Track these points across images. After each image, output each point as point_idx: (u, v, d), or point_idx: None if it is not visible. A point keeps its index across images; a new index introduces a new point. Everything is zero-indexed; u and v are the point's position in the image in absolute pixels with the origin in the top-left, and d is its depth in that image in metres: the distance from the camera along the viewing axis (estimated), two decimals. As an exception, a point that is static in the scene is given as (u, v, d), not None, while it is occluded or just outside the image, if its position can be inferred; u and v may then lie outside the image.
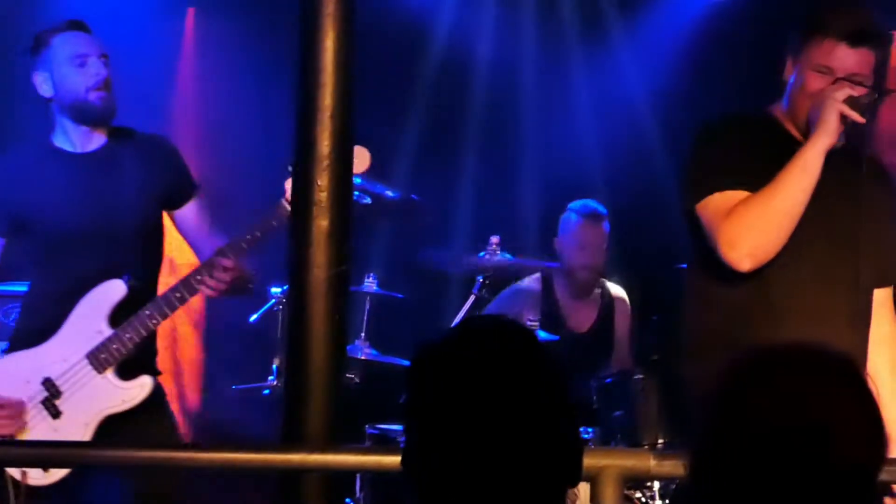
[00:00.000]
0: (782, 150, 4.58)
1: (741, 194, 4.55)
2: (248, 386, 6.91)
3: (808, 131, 4.57)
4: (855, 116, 4.44)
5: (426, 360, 2.34)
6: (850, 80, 4.49)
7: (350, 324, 6.80)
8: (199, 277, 5.31)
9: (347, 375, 6.67)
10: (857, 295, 4.67)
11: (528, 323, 6.81)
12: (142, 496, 5.31)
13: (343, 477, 4.50)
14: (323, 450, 4.06)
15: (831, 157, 4.52)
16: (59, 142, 5.34)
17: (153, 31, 7.68)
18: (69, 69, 5.23)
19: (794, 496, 2.27)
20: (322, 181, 4.17)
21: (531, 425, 2.27)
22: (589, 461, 4.10)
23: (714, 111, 5.16)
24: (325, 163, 4.18)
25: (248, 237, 5.31)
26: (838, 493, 2.28)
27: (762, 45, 8.07)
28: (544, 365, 2.33)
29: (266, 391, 6.71)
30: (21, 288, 5.59)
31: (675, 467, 3.92)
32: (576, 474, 2.35)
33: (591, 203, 7.25)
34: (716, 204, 4.57)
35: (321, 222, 4.15)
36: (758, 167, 4.58)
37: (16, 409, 5.24)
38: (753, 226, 4.51)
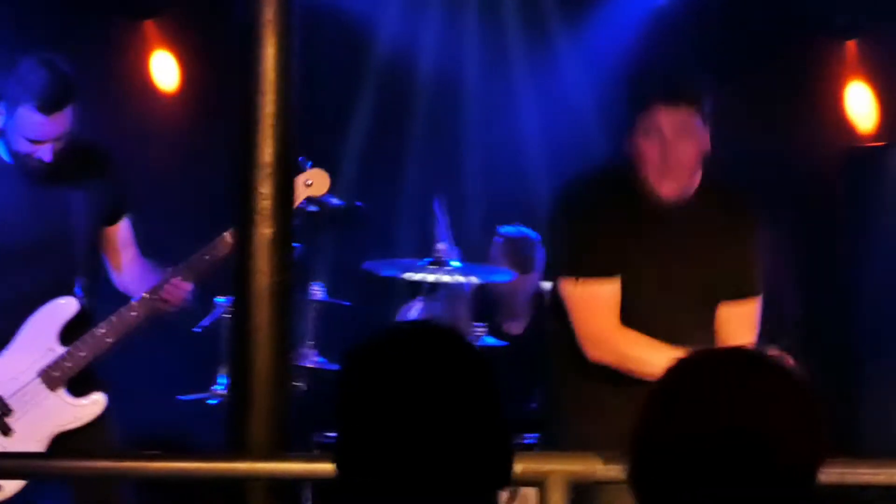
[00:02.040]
0: (639, 219, 5.03)
1: (600, 286, 4.99)
2: (193, 397, 6.88)
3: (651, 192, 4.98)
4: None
5: (354, 362, 2.35)
6: None
7: (297, 332, 6.83)
8: (156, 297, 5.33)
9: (296, 383, 6.67)
10: (691, 320, 5.04)
11: (475, 329, 6.85)
12: None
13: (292, 485, 4.49)
14: (269, 458, 4.07)
15: (676, 213, 5.00)
16: (4, 155, 5.34)
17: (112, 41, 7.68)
18: (20, 139, 5.22)
19: (733, 499, 2.29)
20: (264, 189, 4.17)
21: (455, 425, 2.28)
22: (535, 466, 4.12)
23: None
24: (268, 171, 4.19)
25: (207, 258, 5.34)
26: (779, 494, 2.30)
27: (701, 47, 8.18)
28: (471, 366, 2.33)
29: (211, 401, 6.70)
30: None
31: (622, 472, 3.93)
32: (505, 475, 2.36)
33: (523, 230, 7.28)
34: (578, 293, 5.03)
35: (264, 230, 4.15)
36: (616, 246, 5.02)
37: None
38: (605, 352, 5.00)
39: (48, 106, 5.20)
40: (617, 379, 5.00)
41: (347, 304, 7.20)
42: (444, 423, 2.27)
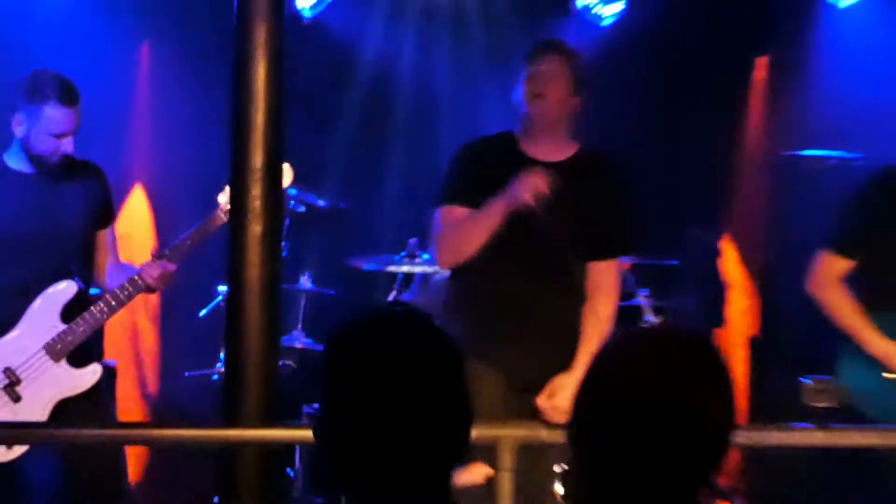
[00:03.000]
0: (510, 167, 5.04)
1: (457, 210, 5.12)
2: (198, 373, 6.93)
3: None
4: (531, 207, 4.93)
5: (336, 344, 2.34)
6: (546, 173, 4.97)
7: (288, 317, 6.87)
8: (144, 276, 5.38)
9: (287, 362, 6.70)
10: (558, 262, 5.10)
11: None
12: (75, 475, 5.34)
13: (281, 451, 4.50)
14: (258, 426, 4.08)
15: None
16: (12, 162, 5.33)
17: (113, 61, 7.66)
18: (47, 137, 5.22)
19: (657, 458, 2.31)
20: (256, 191, 4.17)
21: (427, 399, 2.27)
22: (489, 432, 4.17)
23: (606, 120, 5.29)
24: (258, 175, 4.18)
25: (189, 242, 5.39)
26: (697, 453, 2.33)
27: (642, 64, 8.19)
28: (439, 347, 2.32)
29: (215, 377, 6.73)
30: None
31: (563, 436, 3.99)
32: (465, 440, 2.34)
33: None
34: (440, 215, 5.20)
35: (255, 227, 4.15)
36: (480, 186, 5.07)
37: None
38: (449, 244, 5.17)
39: (68, 99, 5.20)
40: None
41: (332, 293, 7.22)
42: (414, 395, 2.26)
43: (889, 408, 5.42)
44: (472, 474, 4.90)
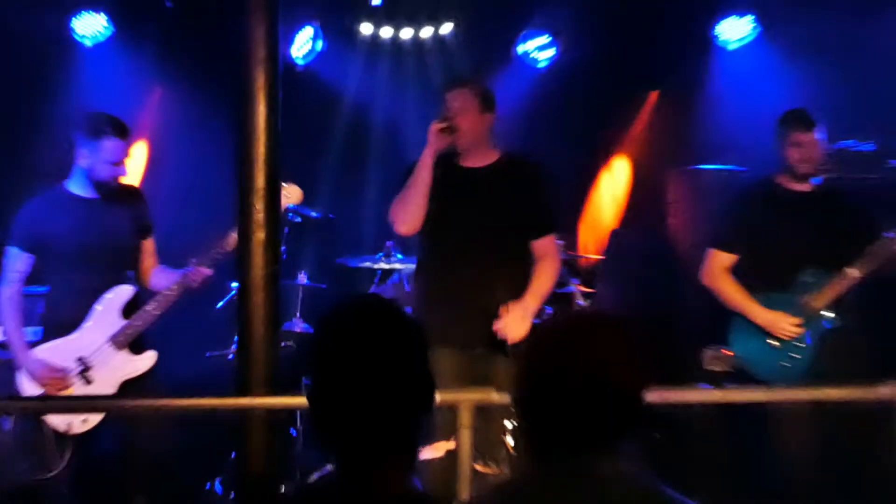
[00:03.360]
0: (449, 176, 5.14)
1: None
2: (217, 353, 6.89)
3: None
4: (439, 137, 5.09)
5: (324, 325, 2.33)
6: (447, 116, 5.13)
7: (288, 306, 6.84)
8: (187, 279, 5.38)
9: (288, 343, 6.66)
10: (499, 251, 5.09)
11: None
12: (132, 442, 5.36)
13: (284, 415, 4.47)
14: (265, 395, 4.08)
15: (474, 174, 5.15)
16: (74, 188, 5.31)
17: (130, 103, 7.65)
18: (107, 165, 5.22)
19: (584, 415, 2.33)
20: (259, 206, 4.13)
21: (395, 370, 2.26)
22: (452, 397, 4.16)
23: (542, 145, 5.29)
24: (261, 193, 4.14)
25: (216, 253, 5.38)
26: (617, 411, 2.35)
27: (573, 97, 8.20)
28: (404, 327, 2.31)
29: (230, 356, 6.69)
30: (40, 289, 5.47)
31: (509, 399, 3.98)
32: (430, 403, 2.34)
33: None
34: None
35: (259, 235, 4.12)
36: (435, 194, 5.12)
37: (64, 374, 5.26)
38: (397, 206, 5.16)
39: (121, 132, 5.21)
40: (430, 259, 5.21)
41: (324, 286, 7.17)
42: (387, 368, 2.25)
43: (772, 369, 5.45)
44: (435, 449, 4.90)
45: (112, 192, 5.32)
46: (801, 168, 5.42)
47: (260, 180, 4.16)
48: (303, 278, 7.02)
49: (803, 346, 5.46)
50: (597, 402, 2.32)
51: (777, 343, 5.46)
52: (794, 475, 5.45)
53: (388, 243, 6.88)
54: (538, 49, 8.08)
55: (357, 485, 2.22)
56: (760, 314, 5.45)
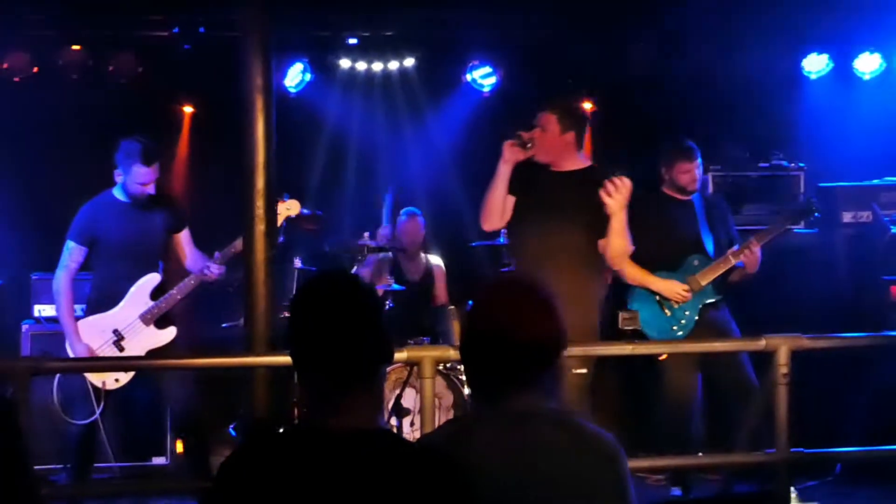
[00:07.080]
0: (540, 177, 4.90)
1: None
2: (231, 324, 6.84)
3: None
4: (511, 151, 4.85)
5: (300, 293, 2.28)
6: (521, 133, 4.86)
7: (285, 285, 6.80)
8: (206, 271, 5.38)
9: (285, 314, 6.63)
10: (569, 246, 4.79)
11: (388, 279, 6.86)
12: (168, 398, 5.39)
13: (284, 370, 4.46)
14: (265, 354, 4.11)
15: (557, 178, 4.85)
16: (119, 195, 5.37)
17: (162, 121, 7.63)
18: (136, 185, 5.26)
19: (510, 367, 2.30)
20: (259, 203, 4.18)
21: (360, 328, 2.21)
22: (416, 353, 4.18)
23: (485, 162, 5.18)
24: (261, 193, 4.20)
25: (232, 251, 5.38)
26: (536, 364, 2.32)
27: (514, 118, 8.14)
28: (365, 295, 2.25)
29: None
30: (89, 274, 5.50)
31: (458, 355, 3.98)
32: (387, 355, 2.27)
33: (411, 208, 7.26)
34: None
35: (259, 226, 4.16)
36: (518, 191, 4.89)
37: (99, 350, 5.30)
38: (482, 208, 4.92)
39: (148, 160, 5.23)
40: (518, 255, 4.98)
41: (314, 269, 7.13)
42: (353, 327, 2.20)
43: (662, 331, 5.50)
44: None
45: (146, 199, 5.35)
46: (690, 188, 5.63)
47: (260, 183, 4.20)
48: (297, 262, 6.97)
49: (689, 313, 5.54)
50: (519, 348, 2.28)
51: (668, 312, 5.52)
52: (678, 416, 5.51)
53: (365, 234, 6.85)
54: (483, 77, 8.04)
55: (329, 420, 2.18)
56: (655, 282, 5.51)
